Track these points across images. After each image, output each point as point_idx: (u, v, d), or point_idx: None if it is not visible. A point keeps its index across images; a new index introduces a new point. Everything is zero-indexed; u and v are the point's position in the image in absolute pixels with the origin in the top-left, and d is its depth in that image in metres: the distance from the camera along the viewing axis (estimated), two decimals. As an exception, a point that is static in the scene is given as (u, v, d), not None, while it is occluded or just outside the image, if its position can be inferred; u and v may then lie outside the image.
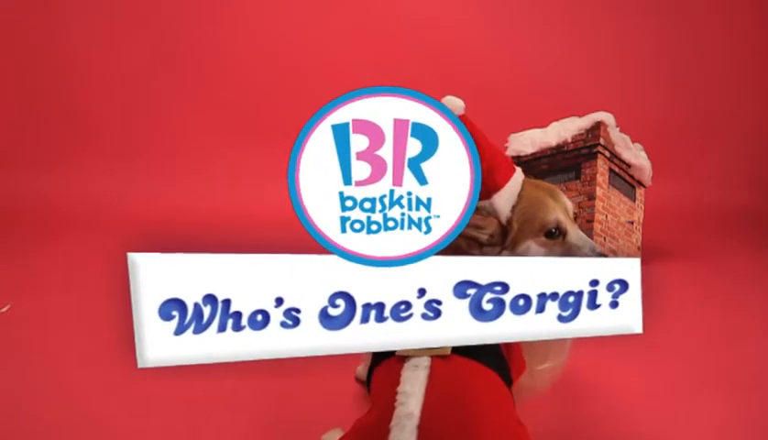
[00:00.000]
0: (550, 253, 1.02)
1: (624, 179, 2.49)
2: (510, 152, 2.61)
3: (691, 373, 1.40)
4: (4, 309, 1.74)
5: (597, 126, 2.38)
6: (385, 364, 0.90)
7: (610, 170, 2.44)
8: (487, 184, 1.03)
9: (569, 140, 2.46)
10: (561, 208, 1.05)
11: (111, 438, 1.13)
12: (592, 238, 2.37)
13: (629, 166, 2.47)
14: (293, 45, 3.36)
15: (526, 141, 2.55)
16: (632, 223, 2.50)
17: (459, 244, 1.00)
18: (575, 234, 1.04)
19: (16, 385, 1.31)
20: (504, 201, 1.03)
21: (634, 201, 2.53)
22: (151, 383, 1.32)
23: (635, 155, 2.45)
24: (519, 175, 1.09)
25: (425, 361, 0.85)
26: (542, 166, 2.57)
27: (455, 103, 1.05)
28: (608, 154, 2.42)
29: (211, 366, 1.41)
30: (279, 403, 1.24)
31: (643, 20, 3.59)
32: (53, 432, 1.14)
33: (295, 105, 3.38)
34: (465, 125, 1.03)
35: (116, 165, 3.28)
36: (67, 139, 3.27)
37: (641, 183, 2.53)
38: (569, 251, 1.01)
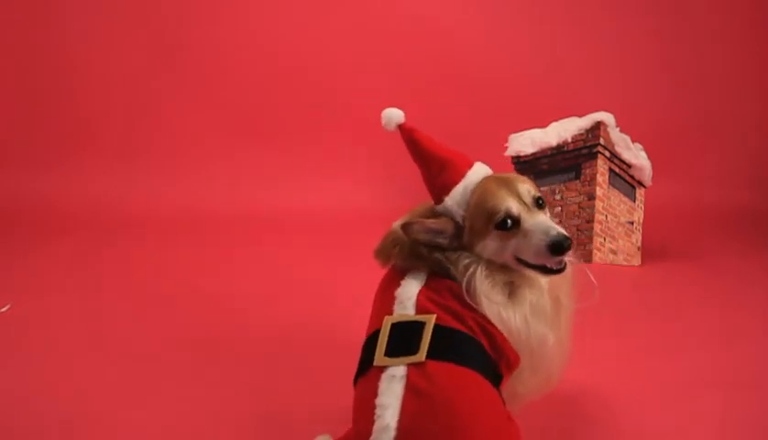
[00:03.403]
0: (505, 247, 0.95)
1: (624, 179, 2.49)
2: (510, 152, 2.61)
3: (691, 373, 1.40)
4: (4, 309, 1.74)
5: (597, 126, 2.38)
6: (364, 376, 0.90)
7: (610, 170, 2.44)
8: (438, 187, 1.00)
9: (569, 140, 2.46)
10: (513, 196, 0.95)
11: (110, 437, 1.13)
12: (592, 238, 2.37)
13: (629, 166, 2.47)
14: (293, 45, 3.36)
15: (526, 141, 2.55)
16: (632, 223, 2.51)
17: (420, 251, 0.98)
18: (531, 220, 0.94)
19: (15, 385, 1.31)
20: (455, 202, 0.98)
21: (634, 201, 2.53)
22: (151, 382, 1.33)
23: (635, 155, 2.45)
24: (475, 172, 1.01)
25: (401, 371, 0.84)
26: (542, 166, 2.57)
27: (394, 113, 1.02)
28: (608, 154, 2.42)
29: (208, 365, 1.42)
30: (275, 404, 1.24)
31: (643, 20, 3.59)
32: (53, 431, 1.14)
33: (295, 106, 3.40)
34: (406, 132, 1.03)
35: (116, 165, 3.28)
36: (67, 139, 3.27)
37: (641, 183, 2.53)
38: (524, 240, 0.93)
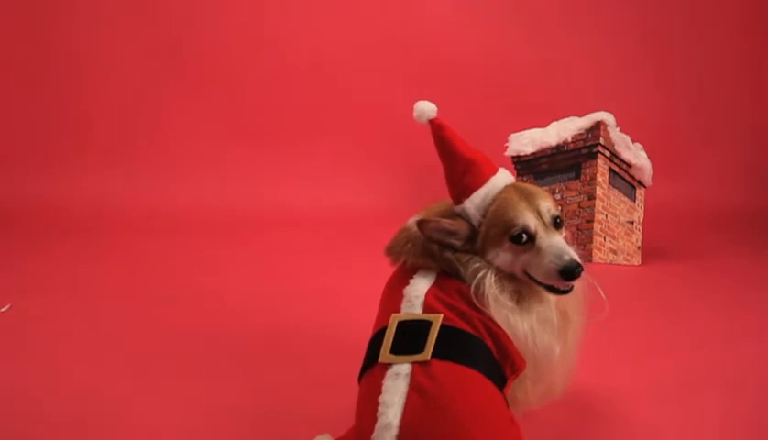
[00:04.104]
0: (516, 260, 0.95)
1: (624, 179, 2.49)
2: (510, 152, 2.61)
3: (691, 373, 1.40)
4: (4, 309, 1.74)
5: (597, 126, 2.38)
6: (369, 373, 0.89)
7: (610, 169, 2.44)
8: (459, 188, 1.00)
9: (569, 140, 2.46)
10: (533, 211, 0.95)
11: (110, 436, 1.13)
12: (592, 238, 2.37)
13: (629, 166, 2.47)
14: (294, 46, 3.36)
15: (526, 141, 2.55)
16: (632, 223, 2.51)
17: (432, 249, 0.98)
18: (546, 240, 0.93)
19: (16, 385, 1.31)
20: (475, 206, 0.98)
21: (634, 201, 2.53)
22: (150, 382, 1.33)
23: (635, 155, 2.45)
24: (498, 178, 1.00)
25: (406, 369, 0.84)
26: (542, 166, 2.57)
27: (427, 106, 1.01)
28: (608, 154, 2.42)
29: (208, 365, 1.42)
30: (275, 404, 1.24)
31: (644, 21, 3.60)
32: (54, 432, 1.14)
33: (295, 106, 3.40)
34: (436, 128, 1.02)
35: (117, 165, 3.29)
36: (67, 139, 3.27)
37: (641, 183, 2.53)
38: (536, 259, 0.93)
